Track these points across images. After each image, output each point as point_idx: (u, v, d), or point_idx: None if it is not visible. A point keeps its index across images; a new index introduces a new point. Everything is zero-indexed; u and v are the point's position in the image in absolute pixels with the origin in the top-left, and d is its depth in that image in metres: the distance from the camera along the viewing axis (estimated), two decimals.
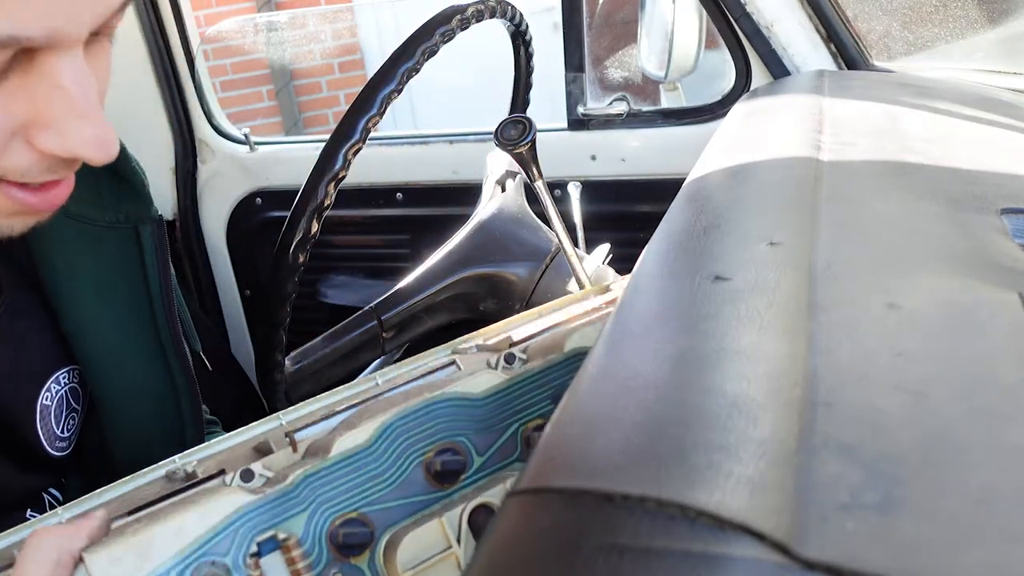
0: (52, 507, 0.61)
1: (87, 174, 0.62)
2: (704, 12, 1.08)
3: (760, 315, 0.34)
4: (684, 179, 0.62)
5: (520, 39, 0.90)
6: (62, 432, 0.61)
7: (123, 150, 0.63)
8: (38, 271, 0.60)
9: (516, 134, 0.75)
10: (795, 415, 0.26)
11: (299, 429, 0.45)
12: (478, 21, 0.73)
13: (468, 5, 0.72)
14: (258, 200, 1.47)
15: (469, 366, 0.51)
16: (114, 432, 0.62)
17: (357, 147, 0.64)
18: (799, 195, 0.49)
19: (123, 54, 1.39)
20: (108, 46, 0.47)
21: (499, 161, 1.00)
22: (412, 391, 0.46)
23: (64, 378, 0.61)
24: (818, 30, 1.04)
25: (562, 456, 0.28)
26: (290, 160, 1.44)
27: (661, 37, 1.09)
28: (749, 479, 0.23)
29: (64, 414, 0.61)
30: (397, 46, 0.68)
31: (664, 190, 0.84)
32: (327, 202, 0.63)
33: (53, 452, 0.60)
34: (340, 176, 0.64)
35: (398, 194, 1.37)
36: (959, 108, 0.73)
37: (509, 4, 0.80)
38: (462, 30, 0.71)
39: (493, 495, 0.44)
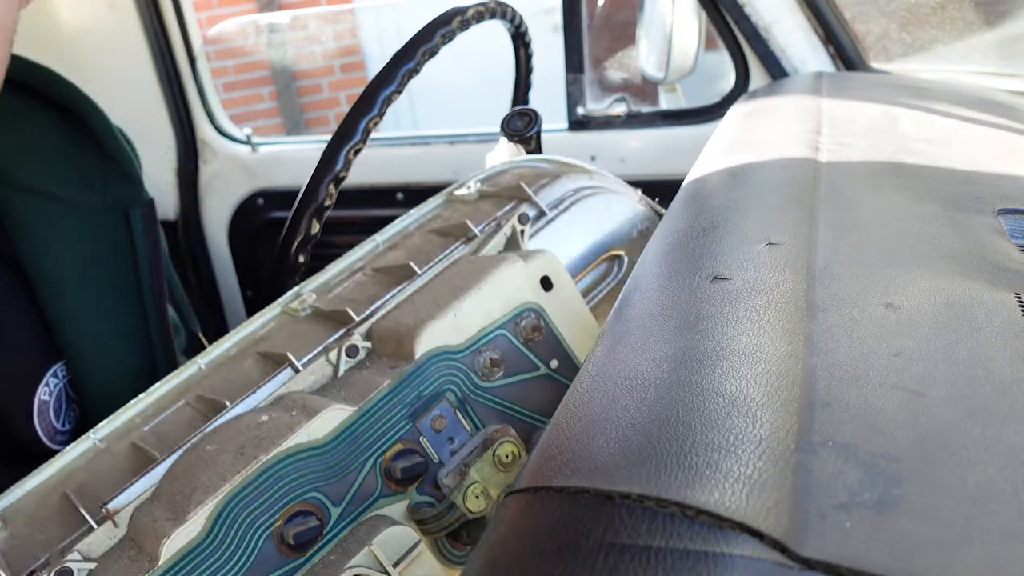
0: None
1: (71, 152, 0.59)
2: (703, 13, 1.08)
3: (759, 315, 0.34)
4: (683, 180, 0.62)
5: (520, 40, 0.90)
6: (62, 425, 0.59)
7: (109, 125, 0.60)
8: (19, 260, 0.57)
9: (523, 125, 0.76)
10: (794, 414, 0.27)
11: (115, 496, 0.38)
12: (478, 22, 0.74)
13: (468, 7, 0.72)
14: (259, 200, 1.47)
15: (305, 358, 0.46)
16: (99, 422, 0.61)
17: (358, 148, 0.64)
18: (798, 195, 0.50)
19: (125, 55, 1.40)
20: None
21: (499, 161, 1.00)
22: (247, 445, 0.39)
23: (62, 371, 0.59)
24: (816, 32, 1.04)
25: (562, 455, 0.28)
26: (291, 160, 1.45)
27: (660, 38, 1.09)
28: (748, 478, 0.24)
29: (64, 407, 0.59)
30: (398, 47, 0.68)
31: (663, 190, 0.84)
32: (328, 202, 0.64)
33: (54, 447, 0.58)
34: (341, 176, 0.64)
35: (399, 194, 1.38)
36: (957, 109, 0.73)
37: (509, 6, 0.80)
38: (462, 31, 0.72)
39: (361, 560, 0.39)
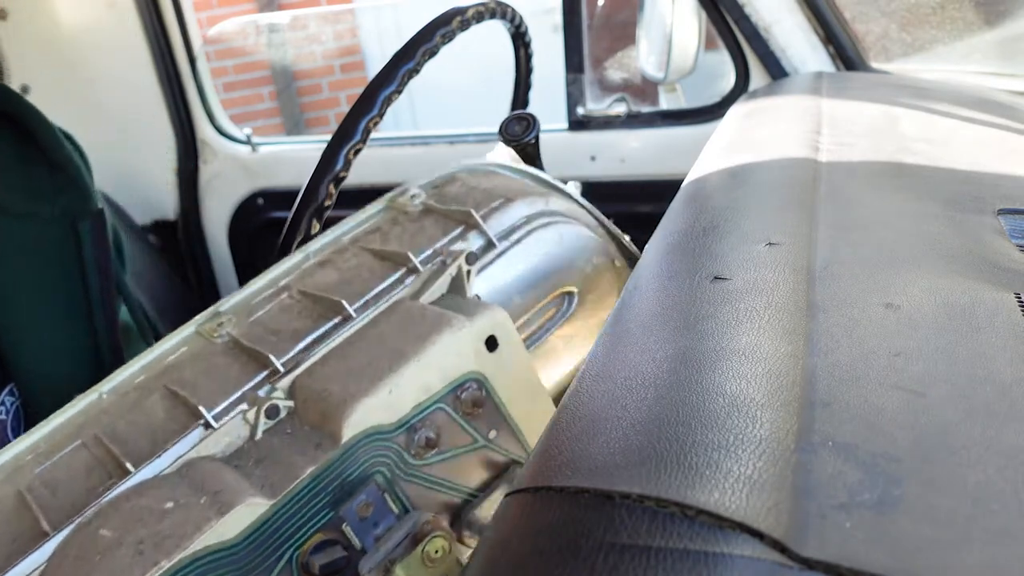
0: None
1: (19, 164, 0.57)
2: (703, 13, 1.08)
3: (759, 315, 0.34)
4: (683, 180, 0.62)
5: (520, 40, 0.90)
6: None
7: (57, 135, 0.58)
8: None
9: (520, 130, 0.75)
10: (794, 414, 0.27)
11: None
12: (478, 22, 0.74)
13: (468, 7, 0.73)
14: (260, 200, 1.47)
15: (219, 406, 0.41)
16: None
17: (358, 147, 0.64)
18: (798, 196, 0.50)
19: (125, 55, 1.39)
20: None
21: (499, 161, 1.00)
22: (146, 541, 0.35)
23: (17, 389, 0.59)
24: (816, 32, 1.04)
25: (562, 455, 0.28)
26: (292, 160, 1.45)
27: (660, 38, 1.09)
28: (748, 478, 0.24)
29: (21, 426, 0.58)
30: (398, 47, 0.68)
31: (663, 190, 0.84)
32: (328, 202, 0.64)
33: None
34: (341, 176, 0.64)
35: None
36: (957, 109, 0.73)
37: (509, 6, 0.80)
38: (462, 31, 0.72)
39: None
